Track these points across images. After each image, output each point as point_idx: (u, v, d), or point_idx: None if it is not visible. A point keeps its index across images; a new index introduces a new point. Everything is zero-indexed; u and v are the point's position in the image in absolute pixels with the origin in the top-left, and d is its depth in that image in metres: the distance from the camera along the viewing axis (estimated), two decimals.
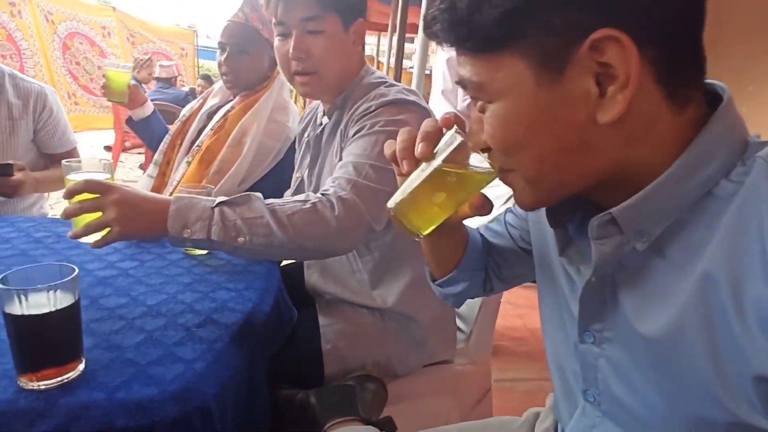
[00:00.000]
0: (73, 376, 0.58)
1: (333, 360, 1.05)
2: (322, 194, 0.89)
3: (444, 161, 0.50)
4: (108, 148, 5.52)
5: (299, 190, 1.25)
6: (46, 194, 1.70)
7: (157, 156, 1.55)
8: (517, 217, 0.75)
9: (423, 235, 0.54)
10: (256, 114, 1.44)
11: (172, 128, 1.57)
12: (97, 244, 0.77)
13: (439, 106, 2.22)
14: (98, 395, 0.56)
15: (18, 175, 1.31)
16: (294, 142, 1.52)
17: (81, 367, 0.59)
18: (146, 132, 1.59)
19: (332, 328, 1.08)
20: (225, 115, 1.47)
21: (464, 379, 1.29)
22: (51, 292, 0.53)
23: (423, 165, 0.52)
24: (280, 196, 1.45)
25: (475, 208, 0.52)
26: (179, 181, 1.42)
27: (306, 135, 1.24)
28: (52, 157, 1.65)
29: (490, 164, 0.49)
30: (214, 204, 0.80)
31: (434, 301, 1.21)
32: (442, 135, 0.52)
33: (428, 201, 0.52)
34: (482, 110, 0.48)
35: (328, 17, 1.01)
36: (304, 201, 0.85)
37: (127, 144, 5.29)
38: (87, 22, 6.12)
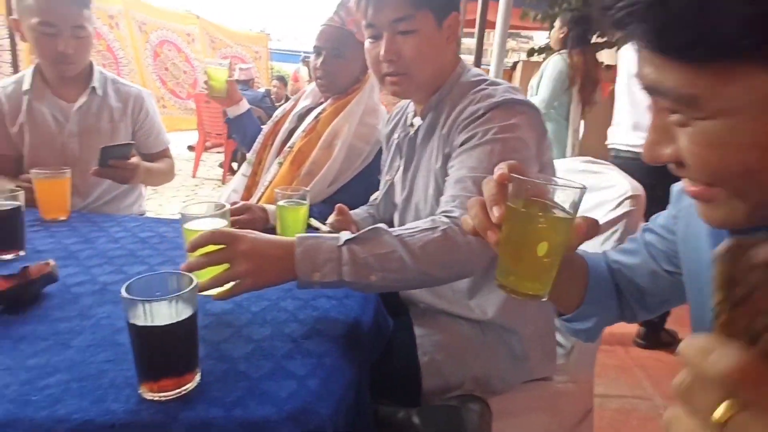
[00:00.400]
0: (191, 388, 0.56)
1: (431, 374, 0.98)
2: (447, 217, 0.82)
3: (527, 214, 0.47)
4: (191, 148, 5.88)
5: (389, 194, 1.20)
6: (144, 193, 1.78)
7: (251, 156, 1.57)
8: (661, 237, 0.64)
9: (545, 295, 0.50)
10: (347, 117, 1.42)
11: (265, 128, 1.59)
12: (221, 297, 0.72)
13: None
14: (216, 412, 0.53)
15: (133, 160, 1.34)
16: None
17: (197, 378, 0.57)
18: (240, 129, 1.63)
19: (429, 339, 1.02)
20: (317, 117, 1.46)
21: (564, 398, 1.18)
22: (173, 303, 0.51)
23: (507, 228, 0.49)
24: (367, 198, 1.41)
25: (582, 237, 0.48)
26: (270, 182, 1.43)
27: (395, 137, 1.19)
28: (148, 157, 1.73)
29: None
30: (341, 243, 0.75)
31: (536, 314, 1.12)
32: (506, 191, 0.49)
33: (533, 260, 0.48)
34: (682, 124, 0.39)
35: (420, 15, 0.95)
36: (433, 228, 0.79)
37: (208, 144, 5.61)
38: (174, 30, 6.54)
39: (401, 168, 1.13)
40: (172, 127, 6.41)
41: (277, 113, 1.63)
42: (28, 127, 1.47)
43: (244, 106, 1.60)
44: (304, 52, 6.77)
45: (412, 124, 1.10)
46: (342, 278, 0.74)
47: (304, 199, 1.08)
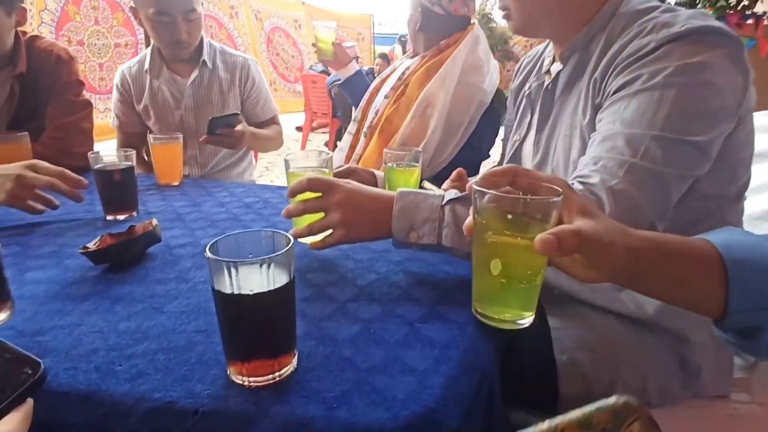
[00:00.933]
0: (286, 374, 0.45)
1: (571, 376, 0.79)
2: (583, 184, 0.65)
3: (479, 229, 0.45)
4: (299, 129, 6.09)
5: (516, 159, 1.00)
6: (254, 163, 1.79)
7: (351, 126, 1.48)
8: None
9: (515, 322, 0.50)
10: (442, 80, 1.23)
11: (365, 96, 1.48)
12: (315, 246, 0.69)
13: None
14: (315, 410, 0.41)
15: (239, 127, 1.34)
16: (491, 103, 1.28)
17: (294, 362, 0.46)
18: (352, 91, 1.54)
19: (567, 333, 0.82)
20: (404, 78, 1.29)
21: (745, 423, 0.91)
22: (265, 267, 0.40)
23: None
24: (477, 171, 1.24)
25: (549, 252, 0.41)
26: (361, 156, 1.31)
27: (526, 88, 0.98)
28: (258, 126, 1.72)
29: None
30: (444, 202, 0.66)
31: None
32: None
33: (489, 280, 0.47)
34: None
35: None
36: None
37: (314, 124, 5.76)
38: (284, 17, 6.78)
39: (534, 126, 0.93)
40: (282, 109, 6.68)
41: (376, 82, 1.50)
42: (151, 104, 1.54)
43: (354, 67, 1.50)
44: (401, 35, 6.67)
45: (548, 72, 0.89)
46: (441, 242, 0.64)
47: (417, 161, 0.94)
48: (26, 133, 1.11)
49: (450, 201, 0.66)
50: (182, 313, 0.56)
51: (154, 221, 0.73)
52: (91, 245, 0.68)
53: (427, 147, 1.21)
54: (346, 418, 0.41)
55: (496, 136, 1.31)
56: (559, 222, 0.44)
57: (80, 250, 0.66)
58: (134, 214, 0.93)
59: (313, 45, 1.46)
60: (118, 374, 0.46)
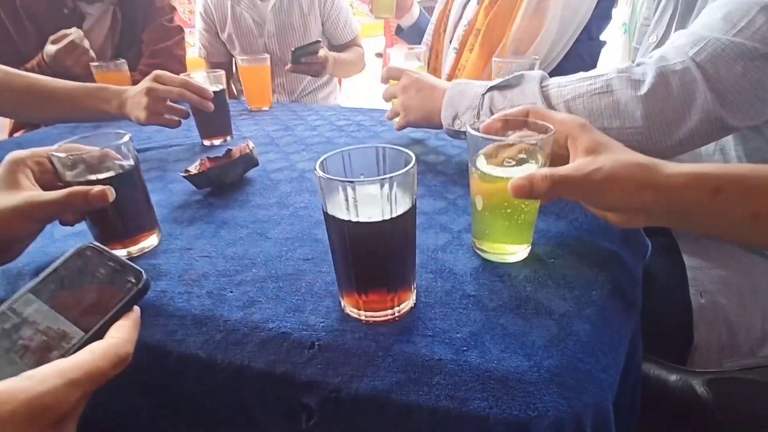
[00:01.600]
0: (404, 309, 0.40)
1: (709, 323, 0.68)
2: (637, 64, 0.56)
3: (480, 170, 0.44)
4: (379, 55, 5.86)
5: None
6: (339, 87, 1.73)
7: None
8: None
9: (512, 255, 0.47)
10: None
11: (434, 15, 1.29)
12: (398, 126, 0.79)
13: None
14: (442, 352, 0.36)
15: (321, 53, 1.29)
16: None
17: (412, 299, 0.41)
18: (417, 37, 1.36)
19: (708, 274, 0.70)
20: None
21: None
22: (386, 188, 0.33)
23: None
24: (596, 64, 1.06)
25: (518, 195, 0.39)
26: (449, 75, 1.17)
27: None
28: (339, 48, 1.63)
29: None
30: (485, 89, 0.65)
31: None
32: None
33: (476, 214, 0.48)
34: None
35: None
36: (596, 77, 0.58)
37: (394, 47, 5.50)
38: None
39: (674, 27, 0.75)
40: (360, 34, 6.45)
41: None
42: (235, 33, 1.50)
43: (416, 11, 1.31)
44: None
45: None
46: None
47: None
48: (124, 60, 1.13)
49: (491, 88, 0.64)
50: (287, 239, 0.53)
51: (250, 144, 0.70)
52: (192, 168, 0.67)
53: (539, 47, 1.04)
54: (479, 362, 0.35)
55: (610, 20, 1.10)
56: (563, 161, 0.42)
57: (182, 174, 0.65)
58: (228, 138, 0.92)
59: (369, 3, 1.27)
60: (230, 301, 0.44)
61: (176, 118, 0.85)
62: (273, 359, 0.39)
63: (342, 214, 0.35)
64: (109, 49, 1.32)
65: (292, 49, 1.26)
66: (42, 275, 0.35)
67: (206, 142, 0.90)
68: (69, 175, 0.48)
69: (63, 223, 0.50)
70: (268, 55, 1.12)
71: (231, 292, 0.45)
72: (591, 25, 1.06)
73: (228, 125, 0.92)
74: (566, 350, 0.36)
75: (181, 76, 0.85)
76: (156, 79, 0.83)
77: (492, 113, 0.63)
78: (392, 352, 0.37)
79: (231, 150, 0.71)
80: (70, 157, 0.47)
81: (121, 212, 0.50)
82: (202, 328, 0.42)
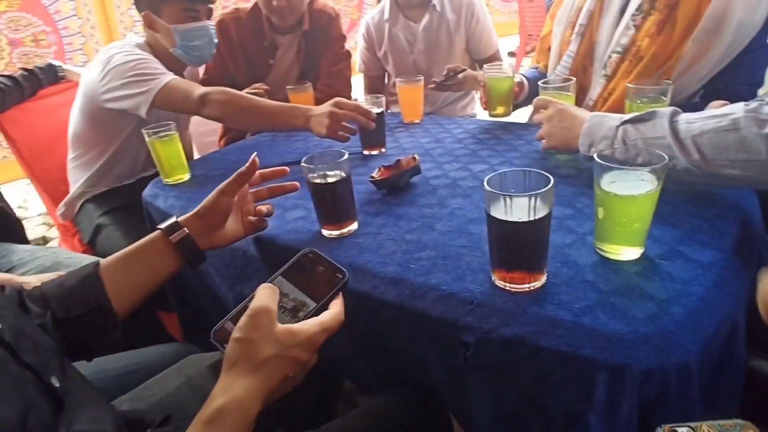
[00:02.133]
0: (538, 285, 0.57)
1: None
2: (760, 102, 0.62)
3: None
4: (512, 54, 5.82)
5: None
6: (475, 97, 1.88)
7: (560, 70, 1.26)
8: None
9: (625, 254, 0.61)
10: None
11: (573, 46, 1.21)
12: (543, 148, 0.94)
13: None
14: (564, 315, 0.53)
15: (461, 75, 1.44)
16: None
17: (544, 279, 0.58)
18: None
19: None
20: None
21: None
22: (532, 200, 0.51)
23: None
24: (751, 95, 1.03)
25: None
26: (596, 101, 1.17)
27: None
28: (480, 62, 1.79)
29: None
30: (620, 122, 0.75)
31: None
32: None
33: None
34: None
35: None
36: (723, 116, 0.65)
37: (528, 47, 5.42)
38: None
39: None
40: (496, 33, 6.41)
41: (567, 12, 1.25)
42: (390, 50, 1.74)
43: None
44: None
45: None
46: None
47: (665, 96, 0.89)
48: (310, 83, 1.44)
49: (625, 121, 0.74)
50: (448, 231, 0.73)
51: (417, 157, 0.91)
52: (375, 175, 0.90)
53: (705, 66, 1.01)
54: (591, 324, 0.51)
55: None
56: None
57: (369, 179, 0.89)
58: (383, 150, 1.14)
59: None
60: (413, 270, 0.65)
61: (348, 135, 1.11)
62: (444, 310, 0.59)
63: (500, 215, 0.53)
64: (295, 71, 1.66)
65: (444, 73, 1.41)
66: (287, 265, 0.58)
67: (365, 152, 1.14)
68: (311, 177, 0.73)
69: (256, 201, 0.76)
70: (422, 77, 1.34)
71: (413, 264, 0.66)
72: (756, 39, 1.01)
73: (383, 140, 1.15)
74: (661, 324, 0.50)
75: (352, 101, 1.10)
76: (335, 105, 1.08)
77: (624, 144, 0.73)
78: (527, 312, 0.54)
79: (400, 161, 0.93)
80: (318, 165, 0.72)
81: (337, 206, 0.75)
82: (396, 286, 0.63)
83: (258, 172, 0.73)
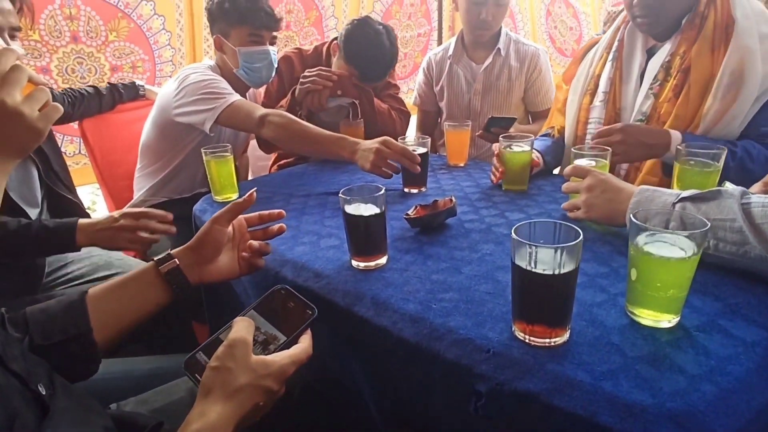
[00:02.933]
0: (560, 342, 0.55)
1: None
2: None
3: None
4: None
5: None
6: None
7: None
8: None
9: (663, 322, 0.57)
10: (742, 39, 1.01)
11: (595, 113, 1.25)
12: (574, 216, 0.87)
13: None
14: (583, 376, 0.50)
15: (511, 130, 1.47)
16: None
17: (566, 335, 0.56)
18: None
19: None
20: (672, 63, 1.09)
21: None
22: (558, 252, 0.50)
23: None
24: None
25: None
26: (627, 170, 1.19)
27: None
28: (534, 115, 1.79)
29: None
30: (676, 199, 0.70)
31: None
32: None
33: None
34: None
35: None
36: None
37: None
38: None
39: None
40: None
41: (591, 55, 1.29)
42: (447, 86, 1.79)
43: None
44: None
45: None
46: None
47: (717, 161, 0.86)
48: (362, 120, 1.50)
49: (683, 198, 0.69)
50: (475, 276, 0.72)
51: (453, 198, 0.92)
52: (411, 212, 0.92)
53: (732, 121, 1.05)
54: (611, 390, 0.48)
55: None
56: None
57: (404, 216, 0.90)
58: (423, 189, 1.16)
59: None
60: (434, 310, 0.64)
61: (390, 173, 1.13)
62: (460, 354, 0.58)
63: (524, 265, 0.52)
64: (347, 110, 1.73)
65: (489, 116, 1.44)
66: (259, 300, 0.63)
67: (406, 190, 1.16)
68: (347, 208, 0.75)
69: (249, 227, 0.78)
70: (470, 122, 1.36)
71: (434, 305, 0.66)
72: None
73: (425, 180, 1.16)
74: (689, 401, 0.47)
75: (399, 141, 1.13)
76: (383, 143, 1.12)
77: (683, 223, 0.62)
78: (545, 368, 0.52)
79: (437, 201, 0.94)
80: (355, 197, 0.74)
81: (368, 239, 0.77)
82: (415, 324, 0.63)
83: (257, 213, 0.78)
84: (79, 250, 1.07)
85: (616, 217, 0.78)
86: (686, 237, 0.54)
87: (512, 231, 0.54)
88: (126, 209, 1.10)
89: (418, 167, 1.10)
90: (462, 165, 1.37)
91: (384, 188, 0.76)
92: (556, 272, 0.51)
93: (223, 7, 1.40)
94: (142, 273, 0.69)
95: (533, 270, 0.51)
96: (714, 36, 1.06)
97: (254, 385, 0.52)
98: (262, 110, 1.28)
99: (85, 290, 0.65)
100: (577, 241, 0.51)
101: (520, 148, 1.09)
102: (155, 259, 0.70)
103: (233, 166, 1.18)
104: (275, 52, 1.48)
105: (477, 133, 1.45)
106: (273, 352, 0.58)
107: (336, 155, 1.23)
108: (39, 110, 0.52)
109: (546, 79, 1.73)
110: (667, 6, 1.08)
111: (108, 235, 1.05)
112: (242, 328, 0.56)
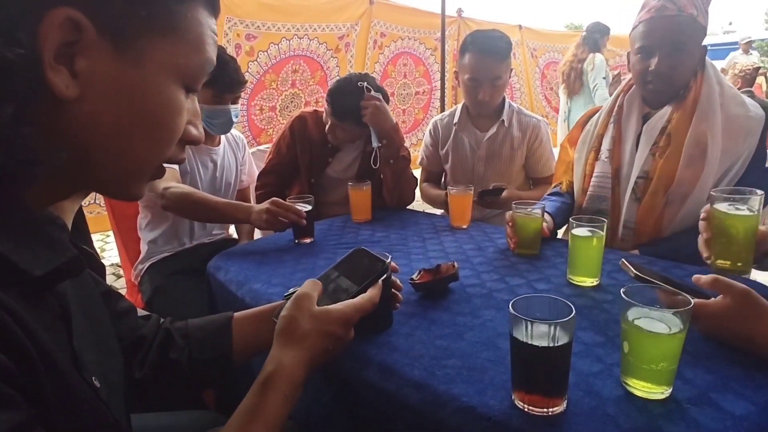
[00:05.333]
0: (557, 411, 0.58)
1: None
2: None
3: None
4: None
5: None
6: None
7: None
8: None
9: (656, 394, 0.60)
10: (703, 119, 1.18)
11: (600, 168, 1.39)
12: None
13: None
14: None
15: (504, 194, 1.57)
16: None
17: (563, 405, 0.59)
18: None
19: None
20: (664, 131, 1.24)
21: None
22: (552, 327, 0.54)
23: None
24: None
25: None
26: (636, 223, 1.29)
27: None
28: (535, 181, 1.87)
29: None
30: None
31: None
32: None
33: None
34: None
35: None
36: None
37: None
38: (561, 51, 6.78)
39: None
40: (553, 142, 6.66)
41: (594, 119, 1.45)
42: (452, 151, 1.87)
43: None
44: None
45: None
46: None
47: (754, 208, 0.88)
48: (369, 182, 1.57)
49: None
50: (477, 342, 0.76)
51: (456, 264, 0.97)
52: (415, 277, 0.96)
53: (702, 191, 1.18)
54: None
55: None
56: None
57: (409, 281, 0.95)
58: (311, 239, 1.36)
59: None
60: (438, 377, 0.68)
61: (281, 227, 1.34)
62: (462, 422, 0.60)
63: (521, 338, 0.56)
64: (354, 170, 1.81)
65: (480, 191, 1.56)
66: (340, 259, 0.74)
67: (297, 241, 1.35)
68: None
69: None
70: (473, 187, 1.43)
71: (438, 371, 0.69)
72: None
73: (312, 232, 1.37)
74: None
75: (288, 201, 1.33)
76: (273, 204, 1.31)
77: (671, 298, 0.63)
78: None
79: (440, 265, 0.99)
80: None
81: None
82: (419, 390, 0.66)
83: None
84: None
85: (757, 338, 0.66)
86: (673, 315, 0.58)
87: (510, 305, 0.58)
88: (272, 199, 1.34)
89: (305, 221, 1.31)
90: (465, 227, 1.43)
91: (390, 257, 0.81)
92: (552, 345, 0.55)
93: None
94: (278, 305, 0.77)
95: (530, 343, 0.55)
96: (692, 108, 1.20)
97: (319, 331, 0.62)
98: (165, 183, 1.41)
99: (231, 314, 0.77)
100: (570, 316, 0.55)
101: (532, 214, 1.15)
102: (286, 295, 0.78)
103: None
104: (236, 109, 1.66)
105: (474, 200, 1.54)
106: (343, 300, 0.66)
107: (235, 219, 1.45)
108: None
109: (546, 149, 1.82)
110: (677, 77, 1.22)
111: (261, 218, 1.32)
112: (307, 285, 0.67)
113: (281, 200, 1.33)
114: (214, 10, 0.47)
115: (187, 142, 0.47)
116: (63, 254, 0.40)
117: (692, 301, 0.58)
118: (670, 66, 1.20)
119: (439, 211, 1.97)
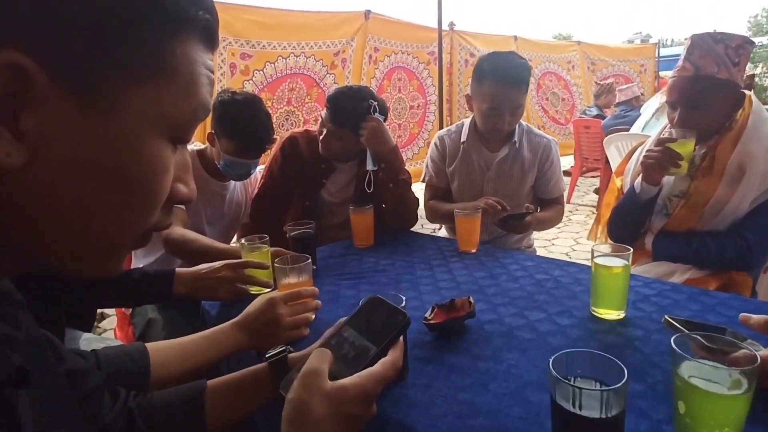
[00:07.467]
0: None
1: None
2: None
3: None
4: (566, 173, 5.91)
5: None
6: (534, 232, 1.87)
7: None
8: None
9: None
10: (747, 143, 1.26)
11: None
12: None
13: None
14: None
15: (528, 218, 1.49)
16: None
17: None
18: None
19: None
20: (706, 156, 1.31)
21: None
22: (604, 395, 0.47)
23: None
24: None
25: None
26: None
27: None
28: (543, 202, 1.80)
29: None
30: None
31: None
32: None
33: None
34: None
35: None
36: None
37: (584, 168, 5.51)
38: (556, 61, 6.80)
39: None
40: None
41: (639, 150, 1.49)
42: (459, 169, 1.78)
43: None
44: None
45: None
46: None
47: None
48: (371, 206, 1.50)
49: None
50: (504, 395, 0.68)
51: (471, 300, 0.89)
52: (429, 315, 0.89)
53: (733, 204, 1.27)
54: None
55: None
56: None
57: (423, 321, 0.87)
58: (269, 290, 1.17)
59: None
60: None
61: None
62: None
63: (567, 406, 0.49)
64: (350, 191, 1.73)
65: (505, 215, 1.49)
66: (352, 314, 0.62)
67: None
68: None
69: None
70: (480, 210, 1.36)
71: None
72: None
73: (314, 260, 1.25)
74: None
75: (288, 228, 1.30)
76: (224, 266, 1.08)
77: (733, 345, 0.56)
78: None
79: (455, 301, 0.92)
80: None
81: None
82: None
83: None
84: (170, 300, 1.07)
85: None
86: (739, 374, 0.51)
87: (550, 364, 0.51)
88: (226, 261, 1.10)
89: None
90: (473, 251, 1.36)
91: (405, 299, 0.74)
92: (604, 417, 0.47)
93: (223, 120, 1.50)
94: (258, 369, 0.69)
95: (579, 414, 0.48)
96: (737, 135, 1.28)
97: (335, 414, 0.50)
98: (169, 230, 1.35)
99: (204, 385, 0.66)
100: (624, 381, 0.48)
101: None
102: (267, 356, 0.70)
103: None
104: (256, 164, 1.60)
105: (492, 221, 1.49)
106: (364, 366, 0.55)
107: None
108: None
109: (557, 170, 1.75)
110: (701, 127, 1.28)
111: (208, 285, 1.06)
112: (314, 357, 0.55)
113: (236, 261, 1.12)
114: (211, 43, 0.37)
115: (175, 202, 0.38)
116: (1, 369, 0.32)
117: (758, 355, 0.51)
118: (690, 120, 1.29)
119: (443, 233, 1.90)
